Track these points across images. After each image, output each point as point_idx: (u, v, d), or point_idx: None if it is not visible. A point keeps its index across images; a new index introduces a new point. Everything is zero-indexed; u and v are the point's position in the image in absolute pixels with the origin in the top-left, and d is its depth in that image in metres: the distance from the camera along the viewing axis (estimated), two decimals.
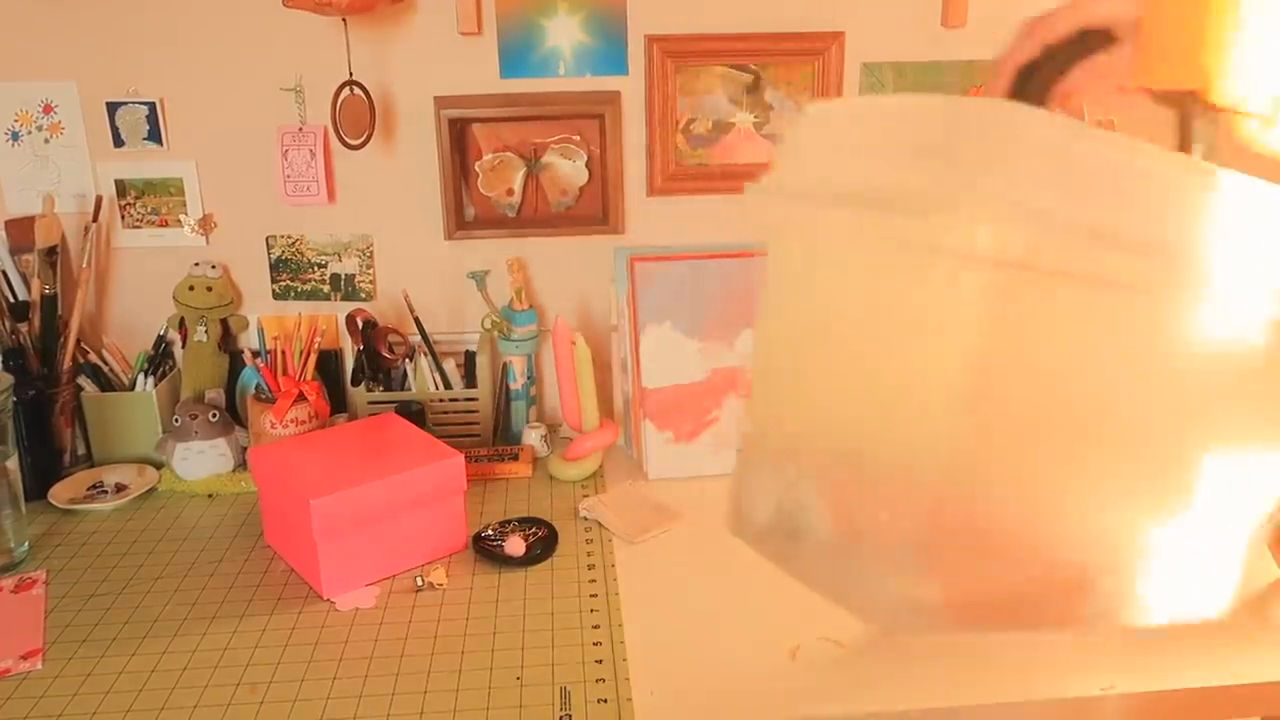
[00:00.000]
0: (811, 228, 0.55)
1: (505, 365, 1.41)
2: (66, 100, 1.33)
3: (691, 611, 1.00)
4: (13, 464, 1.12)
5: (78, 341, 1.31)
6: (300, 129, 1.34)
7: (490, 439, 1.38)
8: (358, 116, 1.31)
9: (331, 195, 1.38)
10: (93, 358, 1.32)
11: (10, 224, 1.34)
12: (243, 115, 1.34)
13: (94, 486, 1.26)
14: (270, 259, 1.41)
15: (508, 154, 1.38)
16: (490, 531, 1.14)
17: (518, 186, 1.39)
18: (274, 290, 1.43)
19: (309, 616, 1.00)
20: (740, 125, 1.39)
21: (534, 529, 1.15)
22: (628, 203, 1.42)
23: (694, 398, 1.29)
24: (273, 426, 1.25)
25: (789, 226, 0.57)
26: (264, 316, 1.41)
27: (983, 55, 1.37)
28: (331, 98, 1.29)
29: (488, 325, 1.41)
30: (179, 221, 1.38)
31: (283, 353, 1.29)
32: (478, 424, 1.37)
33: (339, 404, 1.39)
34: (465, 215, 1.41)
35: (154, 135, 1.34)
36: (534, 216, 1.42)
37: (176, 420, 1.28)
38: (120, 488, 1.26)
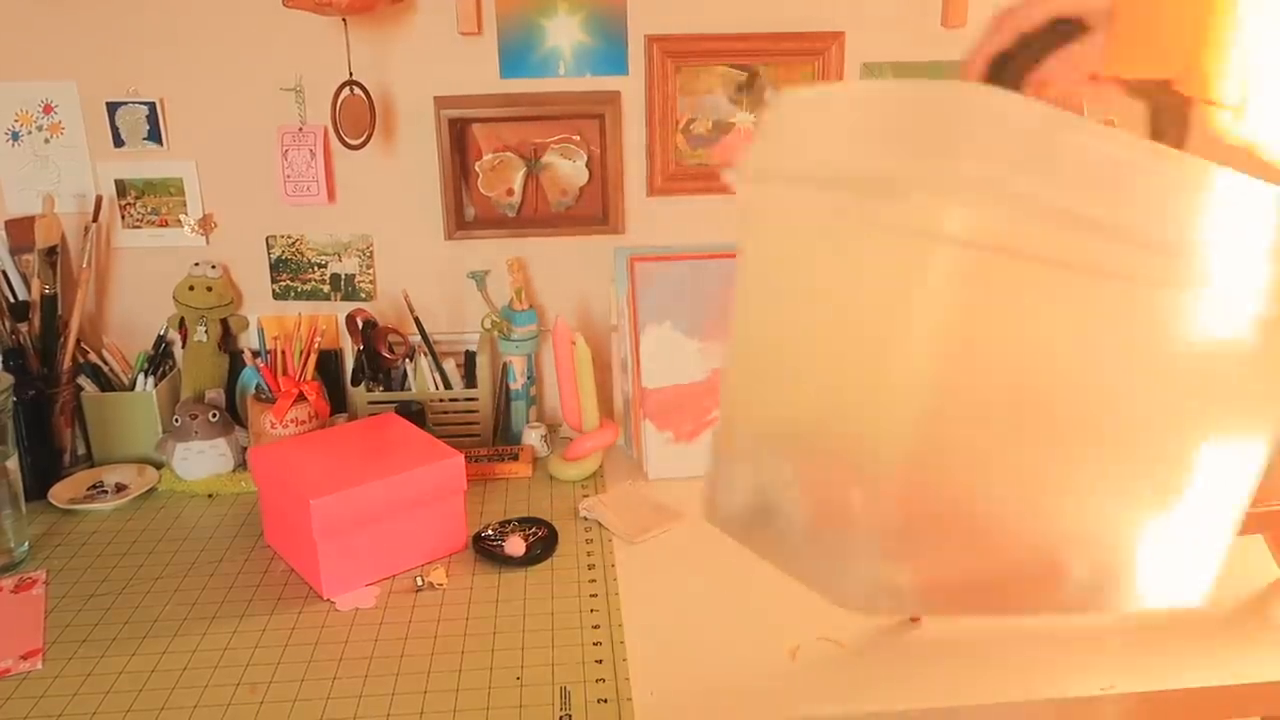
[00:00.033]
0: (786, 211, 0.56)
1: (505, 365, 1.41)
2: (66, 100, 1.33)
3: (691, 611, 1.00)
4: (13, 464, 1.12)
5: (78, 341, 1.31)
6: (300, 129, 1.34)
7: (490, 439, 1.38)
8: (358, 116, 1.31)
9: (331, 195, 1.38)
10: (93, 358, 1.32)
11: (10, 224, 1.34)
12: (243, 115, 1.34)
13: (94, 486, 1.26)
14: (270, 259, 1.41)
15: (508, 154, 1.38)
16: (490, 531, 1.14)
17: (518, 186, 1.39)
18: (274, 290, 1.43)
19: (309, 616, 1.00)
20: (740, 125, 1.39)
21: (534, 529, 1.15)
22: (628, 203, 1.42)
23: (694, 398, 1.29)
24: (273, 426, 1.25)
25: (764, 210, 0.57)
26: (264, 316, 1.41)
27: None
28: (331, 98, 1.29)
29: (488, 325, 1.41)
30: (179, 221, 1.38)
31: (283, 353, 1.29)
32: (478, 424, 1.37)
33: (339, 404, 1.40)
34: (465, 215, 1.41)
35: (154, 135, 1.34)
36: (534, 216, 1.42)
37: (176, 420, 1.28)
38: (120, 488, 1.26)
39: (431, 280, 1.43)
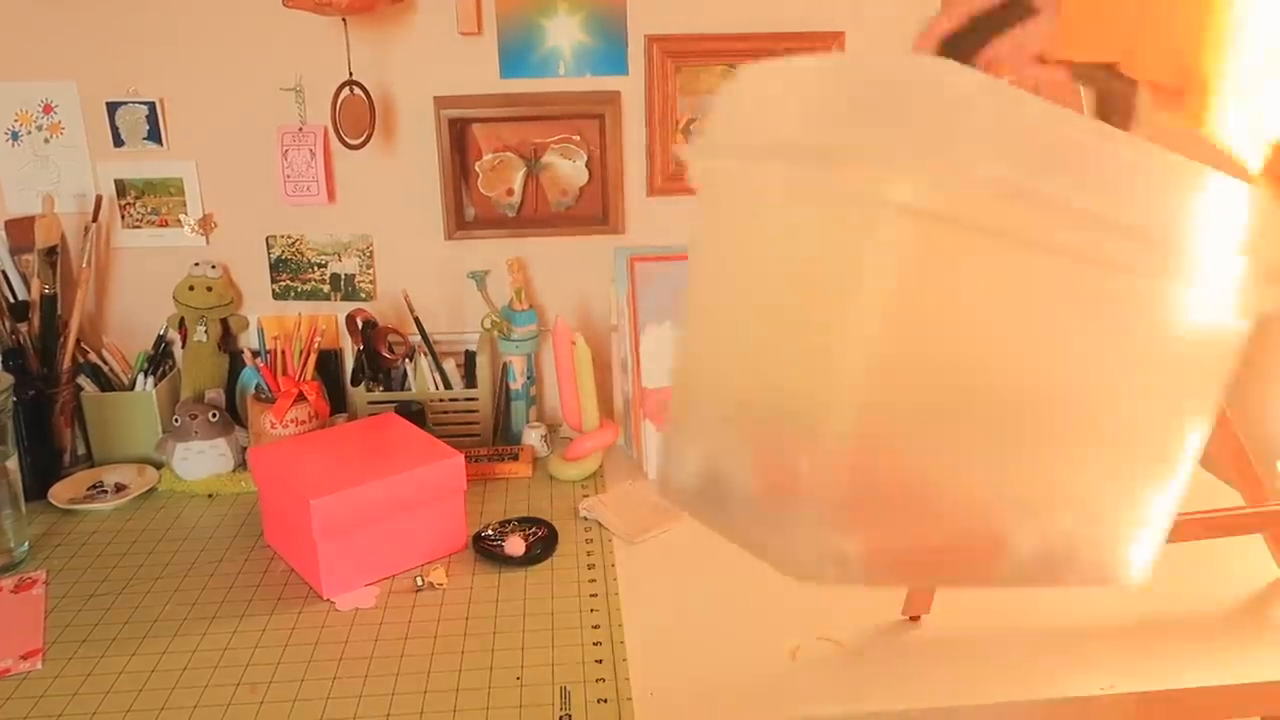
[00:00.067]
0: (739, 184, 0.56)
1: (505, 365, 1.41)
2: (66, 100, 1.33)
3: (691, 611, 1.00)
4: (13, 464, 1.12)
5: (78, 341, 1.31)
6: (300, 129, 1.34)
7: (490, 439, 1.38)
8: (358, 116, 1.31)
9: (331, 195, 1.38)
10: (93, 358, 1.32)
11: (10, 224, 1.34)
12: (243, 115, 1.34)
13: (94, 486, 1.26)
14: (270, 259, 1.41)
15: (508, 154, 1.38)
16: (490, 531, 1.14)
17: (518, 186, 1.39)
18: (274, 290, 1.43)
19: (309, 616, 1.00)
20: None
21: (534, 529, 1.15)
22: (628, 203, 1.42)
23: None
24: (273, 426, 1.25)
25: (717, 183, 0.58)
26: (264, 316, 1.41)
27: None
28: (331, 98, 1.29)
29: (488, 325, 1.41)
30: (179, 221, 1.38)
31: (283, 353, 1.29)
32: (478, 424, 1.37)
33: (339, 404, 1.40)
34: (465, 215, 1.41)
35: (154, 135, 1.34)
36: (534, 216, 1.42)
37: (176, 420, 1.28)
38: (120, 488, 1.26)
39: (431, 280, 1.43)
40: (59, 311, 1.31)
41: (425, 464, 1.08)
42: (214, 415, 1.29)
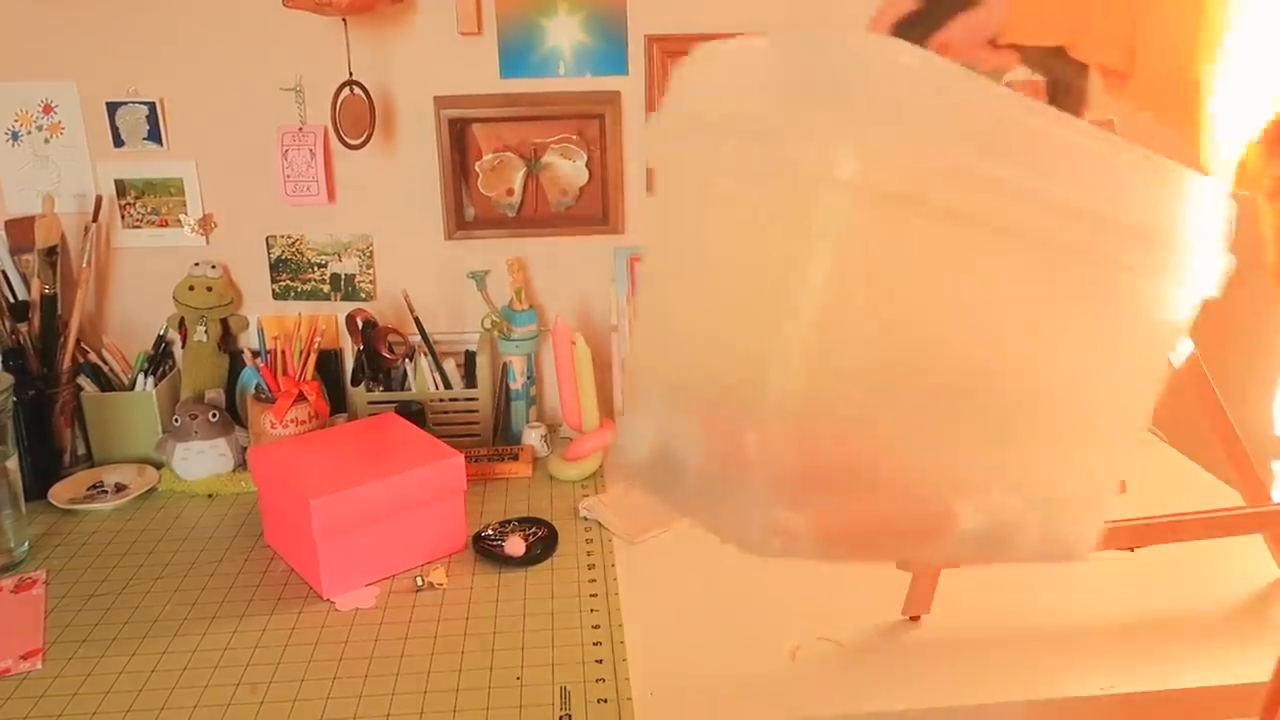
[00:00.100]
0: (692, 162, 0.56)
1: (505, 365, 1.41)
2: (66, 100, 1.33)
3: (691, 611, 1.00)
4: (13, 464, 1.12)
5: (78, 341, 1.31)
6: (300, 129, 1.34)
7: (490, 439, 1.38)
8: (358, 116, 1.31)
9: (331, 195, 1.38)
10: (93, 358, 1.32)
11: (10, 224, 1.34)
12: (243, 115, 1.34)
13: (94, 486, 1.26)
14: (270, 259, 1.41)
15: (508, 154, 1.38)
16: (490, 531, 1.14)
17: (518, 186, 1.39)
18: (274, 290, 1.43)
19: (309, 616, 1.00)
20: None
21: (534, 529, 1.15)
22: (628, 203, 1.42)
23: None
24: (273, 426, 1.25)
25: (672, 162, 0.58)
26: (264, 316, 1.41)
27: None
28: (331, 98, 1.29)
29: (488, 325, 1.41)
30: (179, 221, 1.38)
31: (283, 353, 1.29)
32: (478, 424, 1.37)
33: (339, 404, 1.39)
34: (465, 215, 1.41)
35: (154, 135, 1.34)
36: (534, 216, 1.42)
37: (176, 420, 1.28)
38: (120, 488, 1.26)
39: (431, 280, 1.43)
40: (59, 311, 1.31)
41: (425, 464, 1.08)
42: (214, 415, 1.29)
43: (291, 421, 1.25)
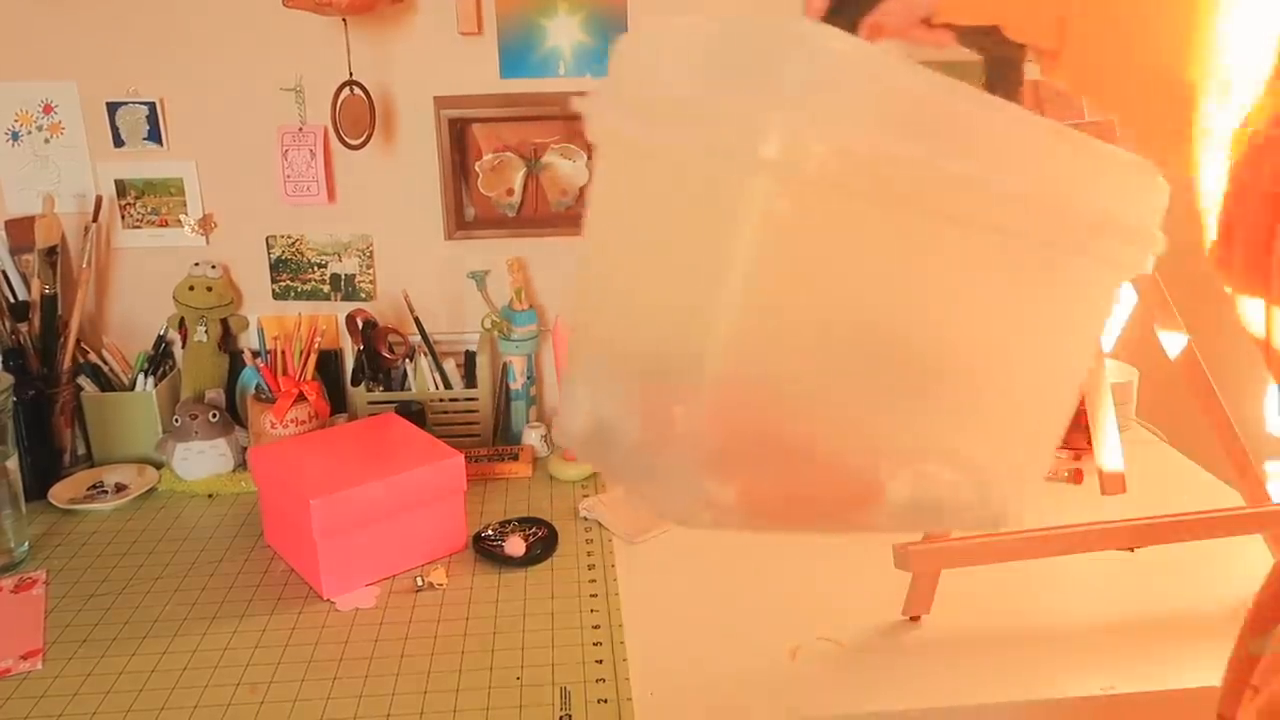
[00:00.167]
0: (626, 140, 0.57)
1: (505, 365, 1.41)
2: (66, 100, 1.33)
3: (691, 611, 1.00)
4: (13, 464, 1.12)
5: (78, 341, 1.31)
6: (300, 129, 1.34)
7: (490, 439, 1.38)
8: (358, 116, 1.31)
9: (331, 195, 1.38)
10: (93, 358, 1.32)
11: (10, 224, 1.34)
12: (243, 115, 1.34)
13: (94, 486, 1.26)
14: (270, 259, 1.41)
15: (508, 154, 1.38)
16: (490, 531, 1.14)
17: (518, 186, 1.39)
18: (274, 290, 1.43)
19: (309, 616, 1.00)
20: None
21: (534, 529, 1.15)
22: None
23: None
24: (273, 426, 1.25)
25: (609, 138, 0.59)
26: (264, 316, 1.41)
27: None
28: (331, 98, 1.29)
29: (488, 325, 1.41)
30: (179, 221, 1.38)
31: (283, 353, 1.29)
32: (478, 424, 1.37)
33: (339, 404, 1.39)
34: (465, 215, 1.41)
35: (154, 135, 1.34)
36: (534, 216, 1.42)
37: (176, 420, 1.28)
38: (120, 488, 1.26)
39: (431, 280, 1.43)
40: (59, 311, 1.31)
41: (425, 464, 1.08)
42: (214, 415, 1.29)
43: (291, 421, 1.25)
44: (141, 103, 1.33)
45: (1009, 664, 0.90)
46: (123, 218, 1.38)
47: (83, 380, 1.31)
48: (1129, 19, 0.58)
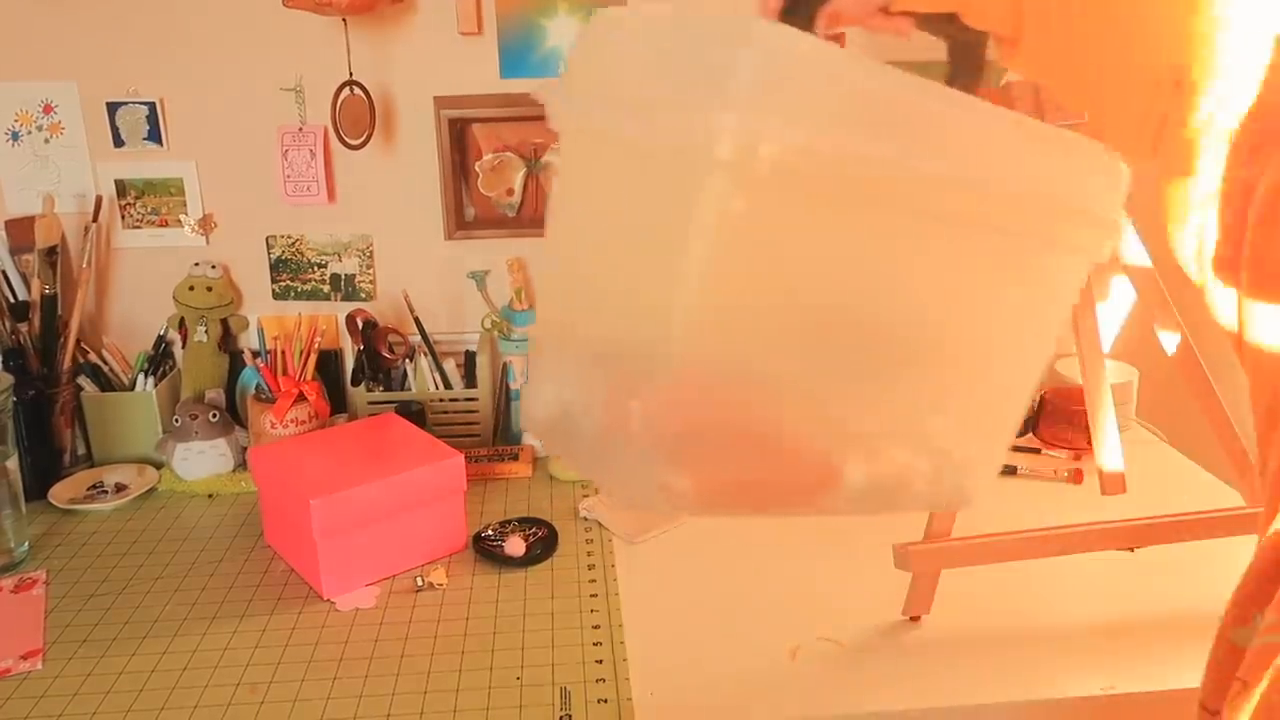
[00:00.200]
0: (588, 131, 0.58)
1: (505, 365, 1.41)
2: (66, 100, 1.33)
3: (691, 611, 1.00)
4: (13, 464, 1.12)
5: (78, 341, 1.31)
6: (300, 129, 1.34)
7: (490, 439, 1.38)
8: (358, 116, 1.31)
9: (331, 195, 1.38)
10: (93, 358, 1.32)
11: (10, 224, 1.34)
12: (243, 115, 1.34)
13: (94, 486, 1.26)
14: (270, 259, 1.41)
15: (508, 154, 1.38)
16: (490, 531, 1.14)
17: (518, 186, 1.39)
18: (274, 290, 1.43)
19: (309, 616, 1.00)
20: None
21: (534, 529, 1.15)
22: None
23: None
24: (273, 426, 1.25)
25: (570, 131, 0.60)
26: (264, 316, 1.41)
27: None
28: (331, 98, 1.29)
29: (488, 325, 1.41)
30: (179, 221, 1.38)
31: (283, 353, 1.29)
32: (478, 424, 1.37)
33: (339, 404, 1.39)
34: (465, 215, 1.41)
35: (154, 135, 1.34)
36: (534, 216, 1.42)
37: (176, 420, 1.28)
38: (120, 488, 1.26)
39: (431, 280, 1.43)
40: (59, 311, 1.31)
41: (425, 464, 1.08)
42: (214, 415, 1.29)
43: (291, 421, 1.25)
44: (141, 103, 1.33)
45: (1009, 664, 0.90)
46: (123, 218, 1.38)
47: (83, 380, 1.31)
48: (1085, 6, 0.58)
